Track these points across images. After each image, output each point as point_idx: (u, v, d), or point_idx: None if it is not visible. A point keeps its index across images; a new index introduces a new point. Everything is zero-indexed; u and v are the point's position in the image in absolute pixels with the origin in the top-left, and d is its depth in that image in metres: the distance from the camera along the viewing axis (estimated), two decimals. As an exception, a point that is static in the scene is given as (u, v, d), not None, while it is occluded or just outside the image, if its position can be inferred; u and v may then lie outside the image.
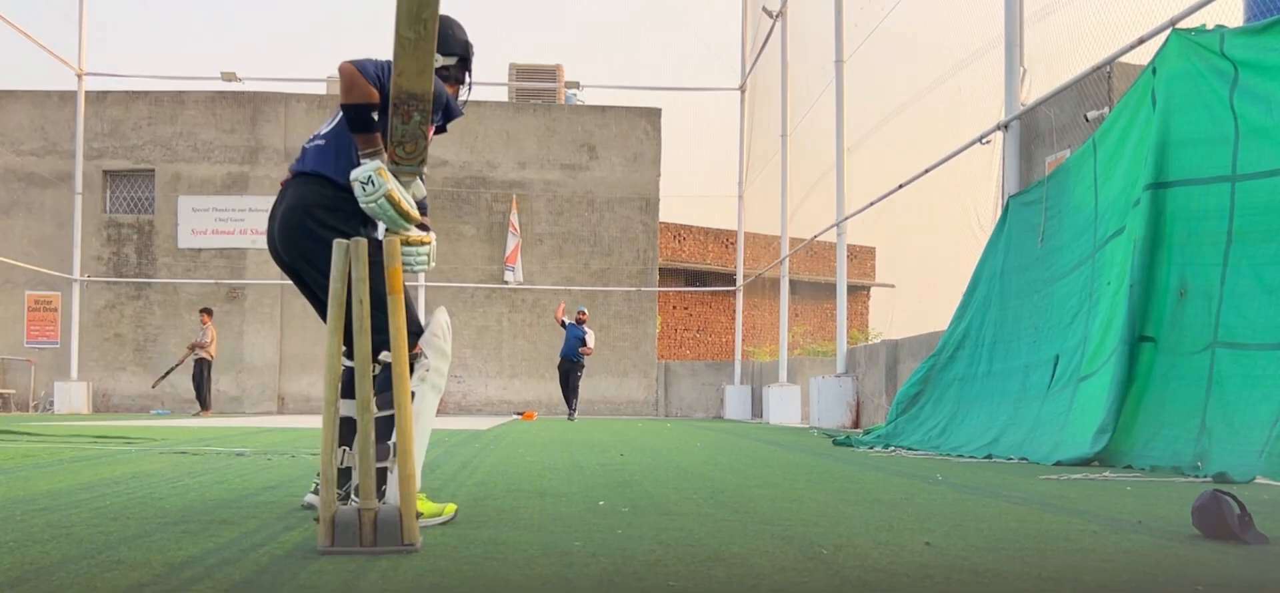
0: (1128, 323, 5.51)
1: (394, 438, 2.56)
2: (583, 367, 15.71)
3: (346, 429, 2.65)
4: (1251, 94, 5.04)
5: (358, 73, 2.66)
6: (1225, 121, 5.18)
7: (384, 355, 2.63)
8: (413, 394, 2.65)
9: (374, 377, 2.55)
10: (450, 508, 2.89)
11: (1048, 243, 6.90)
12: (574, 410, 15.61)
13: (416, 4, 2.23)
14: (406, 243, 2.77)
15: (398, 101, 2.55)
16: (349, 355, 2.75)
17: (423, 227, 2.83)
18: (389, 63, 2.72)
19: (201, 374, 15.99)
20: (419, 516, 2.48)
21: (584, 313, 15.90)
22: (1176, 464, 4.84)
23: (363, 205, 2.65)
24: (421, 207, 2.88)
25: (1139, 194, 5.69)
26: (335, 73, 19.16)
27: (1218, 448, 4.80)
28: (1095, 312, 6.08)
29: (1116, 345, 5.54)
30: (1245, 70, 5.09)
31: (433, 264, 2.91)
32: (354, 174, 2.67)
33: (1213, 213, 5.21)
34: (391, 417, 2.55)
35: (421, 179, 2.81)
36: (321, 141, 2.95)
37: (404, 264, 2.74)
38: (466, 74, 3.14)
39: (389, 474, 2.54)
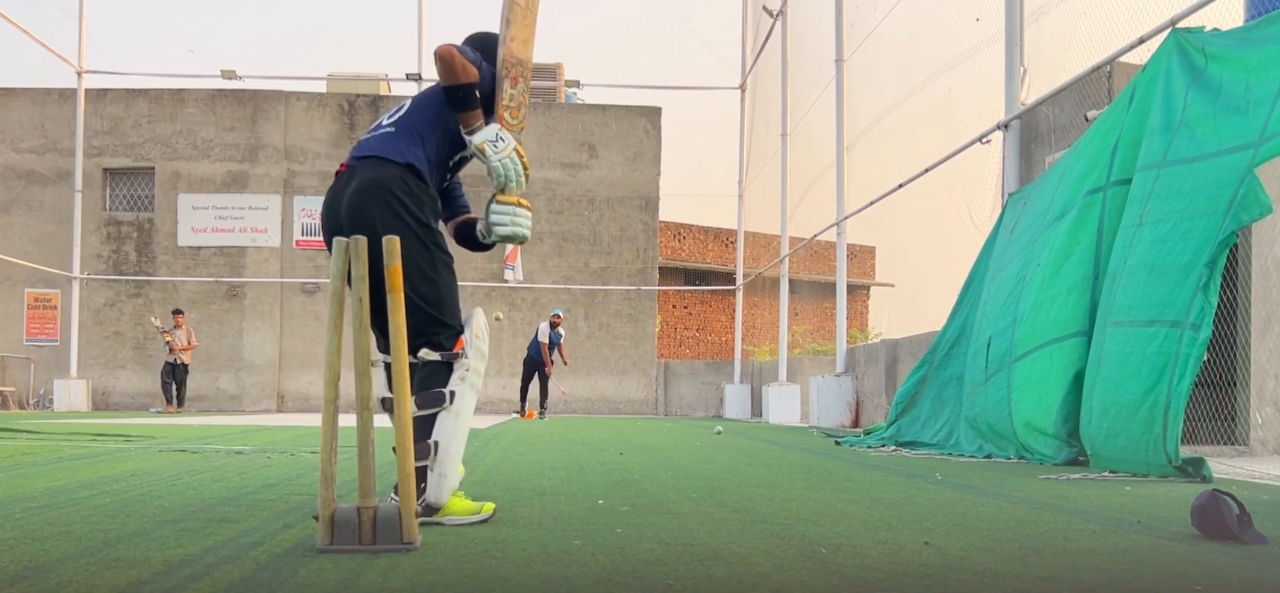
0: (1089, 314, 5.58)
1: (434, 437, 2.65)
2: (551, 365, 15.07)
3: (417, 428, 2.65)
4: (1208, 85, 5.01)
5: (457, 53, 2.73)
6: (1176, 112, 5.21)
7: (424, 353, 2.74)
8: (453, 394, 2.72)
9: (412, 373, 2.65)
10: (489, 507, 2.82)
11: (1012, 234, 6.99)
12: (546, 409, 15.12)
13: None
14: (518, 204, 2.92)
15: (508, 66, 2.77)
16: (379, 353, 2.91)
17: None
18: (475, 43, 2.91)
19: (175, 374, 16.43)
20: (418, 511, 2.48)
21: (560, 316, 15.24)
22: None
23: (494, 162, 2.80)
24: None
25: (1098, 185, 5.75)
26: (340, 69, 18.74)
27: (1098, 432, 4.88)
28: (1026, 292, 6.12)
29: (1074, 335, 5.62)
30: (1213, 63, 5.07)
31: (528, 235, 3.03)
32: (480, 136, 2.78)
33: (1136, 199, 5.26)
34: (430, 416, 2.67)
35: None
36: (391, 129, 2.89)
37: (511, 232, 2.91)
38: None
39: (429, 472, 2.63)
